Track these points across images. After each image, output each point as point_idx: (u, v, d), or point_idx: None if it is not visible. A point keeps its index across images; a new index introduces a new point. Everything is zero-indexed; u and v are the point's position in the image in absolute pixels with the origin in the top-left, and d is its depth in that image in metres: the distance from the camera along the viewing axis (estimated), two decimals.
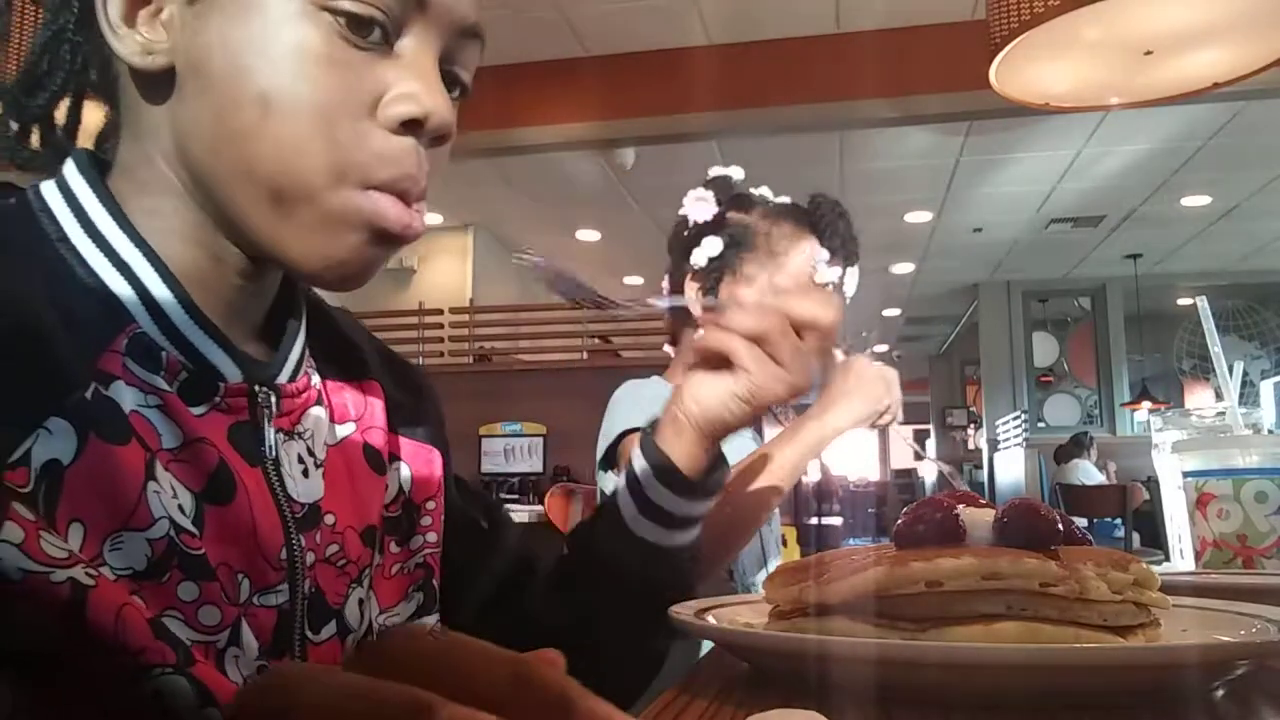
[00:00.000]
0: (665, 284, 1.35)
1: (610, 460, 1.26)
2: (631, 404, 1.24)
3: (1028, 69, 1.90)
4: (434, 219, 6.71)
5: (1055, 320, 9.13)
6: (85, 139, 0.59)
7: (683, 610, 0.58)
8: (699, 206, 1.29)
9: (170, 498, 0.49)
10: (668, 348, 1.38)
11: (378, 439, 0.65)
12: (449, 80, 0.56)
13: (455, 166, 5.52)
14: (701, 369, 0.69)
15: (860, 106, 4.21)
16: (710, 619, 0.57)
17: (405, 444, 0.67)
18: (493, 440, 4.65)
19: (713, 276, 1.27)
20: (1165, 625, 0.51)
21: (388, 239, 0.53)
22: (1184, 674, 0.44)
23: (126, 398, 0.49)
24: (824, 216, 1.27)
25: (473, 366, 5.02)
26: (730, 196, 1.31)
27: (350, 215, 0.51)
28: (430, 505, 0.67)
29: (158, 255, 0.52)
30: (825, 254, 1.23)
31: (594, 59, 4.41)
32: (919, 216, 6.90)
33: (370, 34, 0.51)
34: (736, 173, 1.35)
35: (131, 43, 0.51)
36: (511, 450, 4.64)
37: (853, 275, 1.29)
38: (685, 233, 1.30)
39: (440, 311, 5.13)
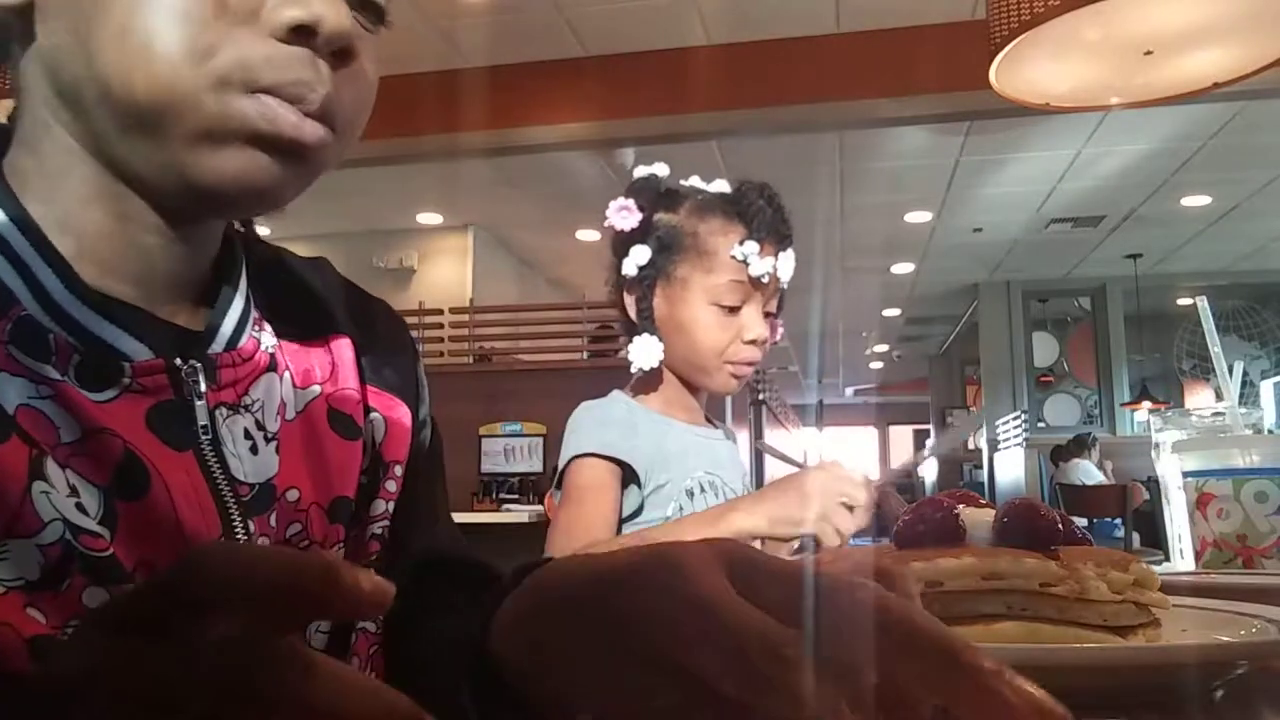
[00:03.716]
0: (609, 285, 1.31)
1: (561, 483, 1.21)
2: (588, 426, 1.21)
3: (1028, 69, 1.90)
4: (434, 219, 6.72)
5: (1055, 320, 9.13)
6: None
7: None
8: (622, 216, 1.25)
9: (66, 497, 0.44)
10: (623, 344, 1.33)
11: (348, 402, 0.60)
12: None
13: (455, 166, 5.52)
14: None
15: (860, 106, 4.21)
16: None
17: (379, 398, 0.62)
18: (493, 440, 4.65)
19: (645, 284, 1.24)
20: (1165, 625, 0.51)
21: (280, 147, 0.47)
22: (1184, 674, 0.44)
23: (12, 391, 0.45)
24: (750, 205, 1.22)
25: (473, 366, 5.02)
26: (656, 197, 1.28)
27: (234, 120, 0.46)
28: (397, 470, 0.61)
29: (35, 226, 0.48)
30: (755, 246, 1.21)
31: (594, 59, 4.40)
32: (919, 216, 6.90)
33: None
34: (661, 169, 1.31)
35: None
36: (511, 450, 4.63)
37: (786, 259, 1.25)
38: (615, 241, 1.28)
39: (440, 311, 5.12)
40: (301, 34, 0.47)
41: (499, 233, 7.12)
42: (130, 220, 0.50)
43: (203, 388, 0.51)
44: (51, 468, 0.44)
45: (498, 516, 3.83)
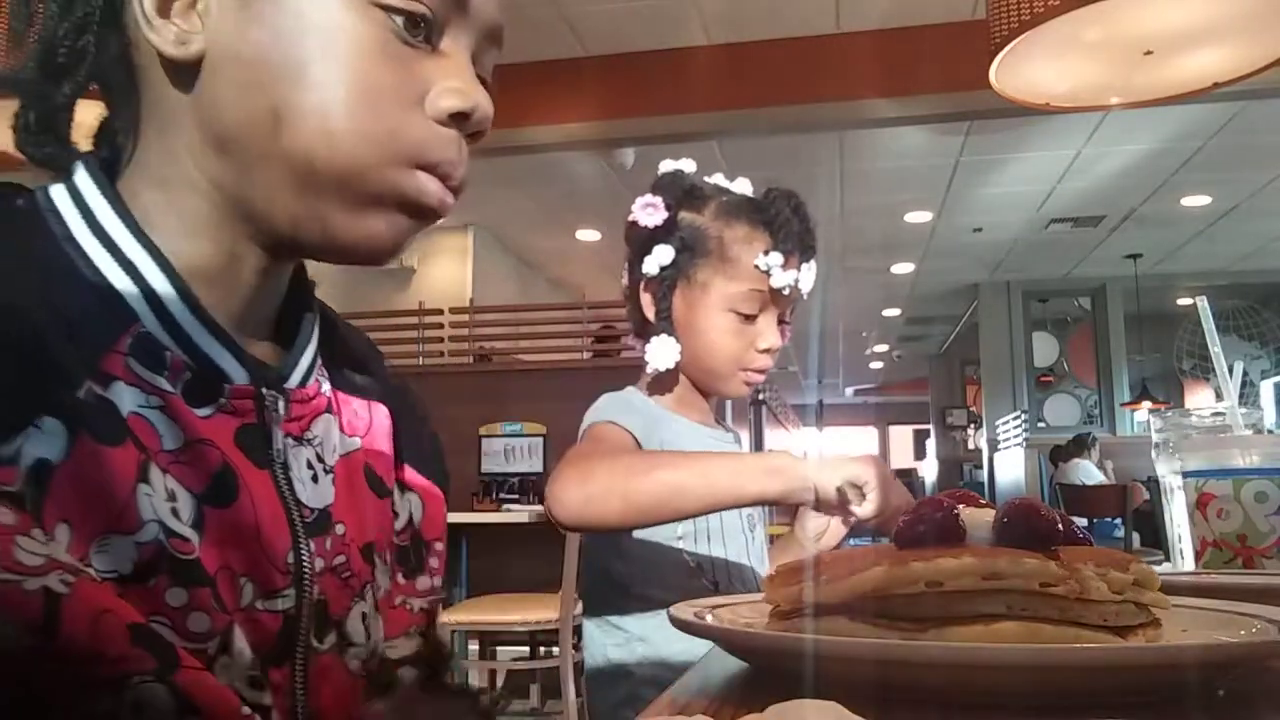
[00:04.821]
0: (624, 279, 1.30)
1: None
2: (609, 407, 1.21)
3: (1028, 69, 1.90)
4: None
5: (1055, 320, 9.13)
6: (85, 135, 0.58)
7: (682, 610, 0.58)
8: (648, 213, 1.23)
9: (164, 500, 0.48)
10: (632, 340, 1.32)
11: (381, 463, 0.64)
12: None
13: None
14: None
15: (860, 106, 4.21)
16: (710, 619, 0.57)
17: (415, 478, 0.67)
18: (493, 440, 4.64)
19: (665, 285, 1.23)
20: (1165, 625, 0.51)
21: (424, 214, 0.55)
22: (1184, 674, 0.44)
23: (126, 398, 0.49)
24: (778, 214, 1.21)
25: (473, 366, 5.02)
26: (681, 194, 1.25)
27: (397, 192, 0.53)
28: (439, 547, 0.68)
29: (163, 253, 0.52)
30: (779, 258, 1.19)
31: (594, 59, 4.40)
32: (919, 216, 6.90)
33: (417, 32, 0.53)
34: (688, 165, 1.29)
35: (167, 33, 0.51)
36: (511, 450, 4.63)
37: (808, 271, 1.23)
38: (637, 237, 1.26)
39: (440, 311, 5.12)
40: (456, 119, 0.54)
41: (499, 233, 7.12)
42: (241, 261, 0.55)
43: (281, 415, 0.56)
44: (154, 472, 0.48)
45: (498, 517, 3.82)
